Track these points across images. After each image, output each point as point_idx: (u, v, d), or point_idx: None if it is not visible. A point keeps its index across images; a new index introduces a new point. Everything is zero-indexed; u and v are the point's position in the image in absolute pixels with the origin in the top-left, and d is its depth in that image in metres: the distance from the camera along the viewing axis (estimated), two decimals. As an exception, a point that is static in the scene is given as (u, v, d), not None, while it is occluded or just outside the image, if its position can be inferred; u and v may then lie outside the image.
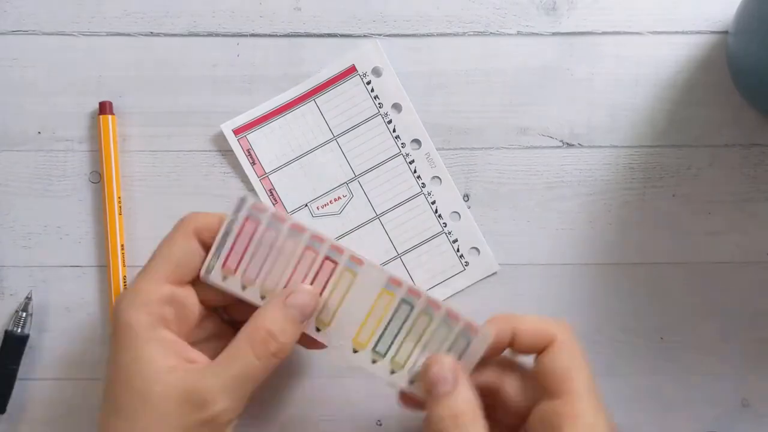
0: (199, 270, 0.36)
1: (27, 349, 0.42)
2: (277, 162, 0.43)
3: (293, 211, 0.43)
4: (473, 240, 0.43)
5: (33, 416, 0.43)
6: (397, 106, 0.43)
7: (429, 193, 0.43)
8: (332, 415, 0.43)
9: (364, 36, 0.43)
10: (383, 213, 0.43)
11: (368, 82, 0.43)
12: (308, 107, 0.43)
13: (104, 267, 0.43)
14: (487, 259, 0.43)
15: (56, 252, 0.43)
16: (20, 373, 0.42)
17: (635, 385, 0.43)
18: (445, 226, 0.43)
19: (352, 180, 0.43)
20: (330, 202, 0.43)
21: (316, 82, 0.43)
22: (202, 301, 0.37)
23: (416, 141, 0.43)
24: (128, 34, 0.43)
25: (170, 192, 0.43)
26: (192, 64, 0.43)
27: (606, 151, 0.43)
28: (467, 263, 0.43)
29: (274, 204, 0.43)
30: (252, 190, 0.43)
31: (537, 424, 0.35)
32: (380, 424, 0.43)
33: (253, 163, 0.43)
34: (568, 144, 0.43)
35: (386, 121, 0.43)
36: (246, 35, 0.43)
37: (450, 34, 0.43)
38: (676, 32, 0.44)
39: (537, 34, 0.43)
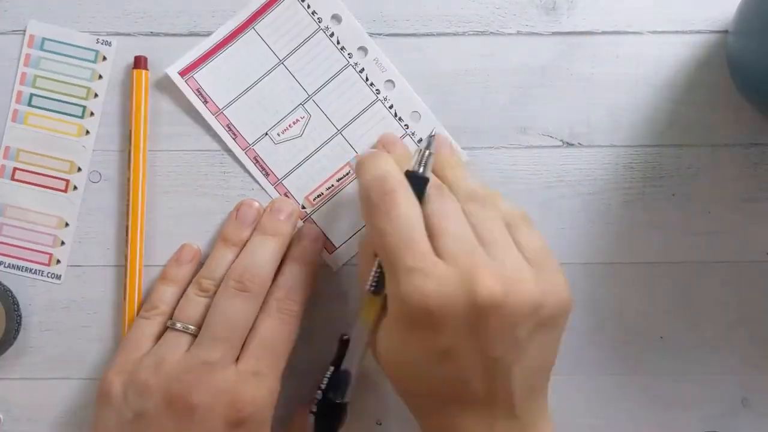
0: None
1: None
2: (229, 96, 0.43)
3: (255, 142, 0.43)
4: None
5: (32, 416, 0.43)
6: (336, 17, 0.43)
7: (385, 99, 0.43)
8: (332, 415, 0.43)
9: (364, 36, 0.43)
10: (344, 127, 0.43)
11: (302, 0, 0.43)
12: (249, 36, 0.43)
13: (104, 267, 0.43)
14: None
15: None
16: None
17: (635, 385, 0.43)
18: (407, 128, 0.43)
19: (306, 100, 0.43)
20: (289, 126, 0.43)
21: (251, 10, 0.42)
22: None
23: (362, 49, 0.43)
24: (128, 34, 0.43)
25: (170, 192, 0.43)
26: (192, 63, 0.43)
27: (606, 151, 0.43)
28: None
29: (233, 138, 0.43)
30: (210, 131, 0.42)
31: None
32: (380, 424, 0.43)
33: (205, 102, 0.42)
34: (568, 144, 0.43)
35: (328, 34, 0.43)
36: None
37: (450, 33, 0.43)
38: (676, 32, 0.44)
39: (537, 33, 0.43)
